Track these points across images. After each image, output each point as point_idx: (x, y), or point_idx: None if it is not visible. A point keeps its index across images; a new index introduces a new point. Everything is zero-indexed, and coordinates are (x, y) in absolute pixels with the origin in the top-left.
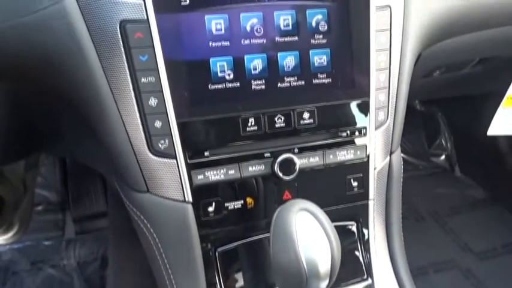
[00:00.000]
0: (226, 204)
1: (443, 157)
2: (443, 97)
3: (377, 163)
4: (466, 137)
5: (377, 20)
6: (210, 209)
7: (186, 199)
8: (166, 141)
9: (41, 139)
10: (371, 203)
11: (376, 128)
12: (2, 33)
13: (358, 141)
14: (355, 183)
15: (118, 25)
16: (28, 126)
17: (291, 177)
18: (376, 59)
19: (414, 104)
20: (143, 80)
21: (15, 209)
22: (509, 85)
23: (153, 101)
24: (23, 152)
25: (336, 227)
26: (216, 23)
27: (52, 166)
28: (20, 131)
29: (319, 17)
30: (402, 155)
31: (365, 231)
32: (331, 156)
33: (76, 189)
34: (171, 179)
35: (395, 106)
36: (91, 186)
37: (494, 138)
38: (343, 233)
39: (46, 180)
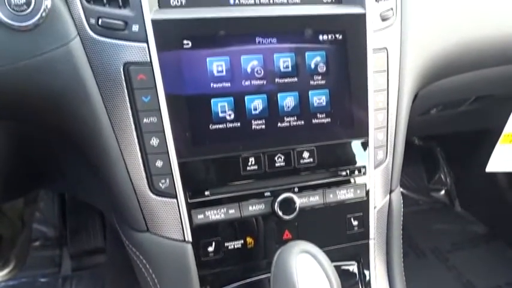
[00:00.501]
0: (226, 244)
1: (443, 192)
2: (441, 133)
3: (377, 202)
4: (465, 172)
5: (374, 62)
6: (210, 248)
7: (186, 239)
8: (167, 180)
9: (42, 176)
10: (371, 243)
11: (376, 166)
12: (8, 75)
13: (358, 180)
14: (355, 222)
15: (122, 67)
16: (29, 164)
17: (291, 216)
18: (374, 99)
19: (412, 139)
20: (145, 120)
21: (12, 245)
22: (505, 122)
23: (154, 141)
24: (24, 189)
25: (336, 267)
26: (217, 64)
27: (51, 201)
28: (21, 169)
29: (318, 59)
30: (401, 189)
31: (366, 271)
32: (331, 195)
33: (74, 225)
34: (171, 218)
35: (394, 145)
36: (89, 222)
37: (494, 173)
38: (343, 274)
39: (44, 216)
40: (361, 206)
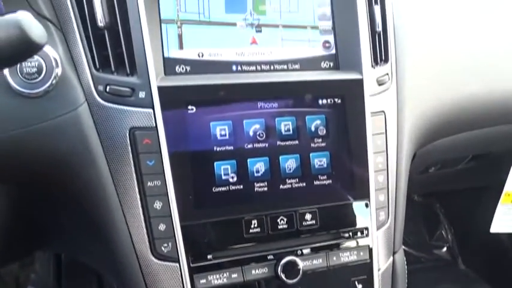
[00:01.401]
0: None
1: (445, 249)
2: (440, 190)
3: (381, 264)
4: (467, 228)
5: (373, 125)
6: None
7: None
8: (170, 244)
9: (41, 237)
10: None
11: (378, 228)
12: (16, 139)
13: (361, 241)
14: (359, 286)
15: (128, 132)
16: (29, 225)
17: (295, 280)
18: (374, 161)
19: (412, 196)
20: (149, 183)
21: None
22: (504, 180)
23: (158, 204)
24: (22, 252)
25: None
26: (220, 128)
27: (47, 262)
28: (20, 231)
29: (318, 122)
30: (403, 247)
31: None
32: (334, 258)
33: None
34: (173, 283)
35: (395, 206)
36: (86, 285)
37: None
38: None
39: (40, 278)
40: (365, 269)
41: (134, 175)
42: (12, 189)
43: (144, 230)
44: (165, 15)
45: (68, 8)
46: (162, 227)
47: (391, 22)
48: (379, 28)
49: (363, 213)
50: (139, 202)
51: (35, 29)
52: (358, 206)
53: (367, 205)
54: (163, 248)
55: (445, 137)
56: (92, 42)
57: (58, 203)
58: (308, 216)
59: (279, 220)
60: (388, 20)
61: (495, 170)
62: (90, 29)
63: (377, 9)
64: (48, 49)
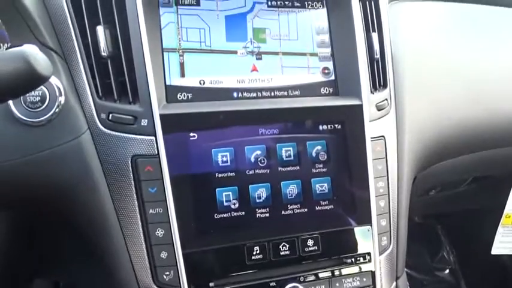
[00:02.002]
0: None
1: (447, 271)
2: (441, 212)
3: None
4: (469, 250)
5: (373, 150)
6: None
7: None
8: (172, 272)
9: (42, 266)
10: None
11: (380, 253)
12: (18, 168)
13: (364, 267)
14: None
15: (130, 159)
16: (30, 254)
17: None
18: (375, 185)
19: (413, 218)
20: (151, 211)
21: None
22: (505, 202)
23: (159, 232)
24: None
25: None
26: (222, 155)
27: None
28: (21, 259)
29: (319, 147)
30: (405, 269)
31: None
32: (337, 284)
33: None
34: None
35: (397, 230)
36: None
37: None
38: None
39: None
40: None
41: (136, 203)
42: (12, 217)
43: (146, 258)
44: (167, 44)
45: (72, 38)
46: (164, 254)
47: (389, 49)
48: (377, 55)
49: (365, 239)
50: (141, 230)
51: (41, 62)
52: (360, 231)
53: (369, 230)
54: (165, 276)
55: (445, 160)
56: (95, 71)
57: (59, 231)
58: (310, 242)
59: (281, 246)
60: (386, 47)
61: (495, 192)
62: (93, 58)
63: (375, 36)
64: (51, 78)
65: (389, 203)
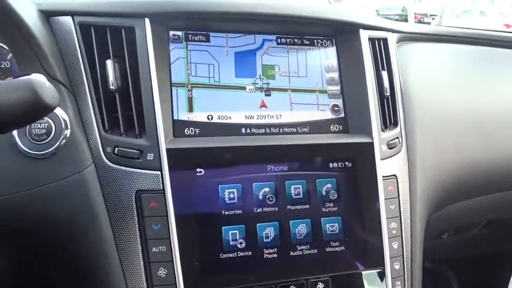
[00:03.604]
0: None
1: None
2: (453, 257)
3: None
4: None
5: (385, 189)
6: None
7: None
8: None
9: None
10: None
11: None
12: (19, 201)
13: None
14: None
15: (134, 195)
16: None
17: None
18: (388, 226)
19: (423, 263)
20: (154, 249)
21: None
22: None
23: (162, 272)
24: None
25: None
26: (229, 192)
27: None
28: None
29: (329, 186)
30: None
31: None
32: None
33: None
34: None
35: (411, 274)
36: None
37: None
38: None
39: None
40: None
41: (139, 240)
42: (10, 250)
43: None
44: (176, 79)
45: (81, 72)
46: None
47: (399, 87)
48: (388, 93)
49: (377, 283)
50: (142, 269)
51: (48, 91)
52: (372, 275)
53: (381, 274)
54: None
55: (458, 202)
56: (103, 104)
57: (56, 267)
58: (320, 286)
59: None
60: (396, 85)
61: (509, 236)
62: (101, 92)
63: (384, 74)
64: (58, 110)
65: (402, 245)
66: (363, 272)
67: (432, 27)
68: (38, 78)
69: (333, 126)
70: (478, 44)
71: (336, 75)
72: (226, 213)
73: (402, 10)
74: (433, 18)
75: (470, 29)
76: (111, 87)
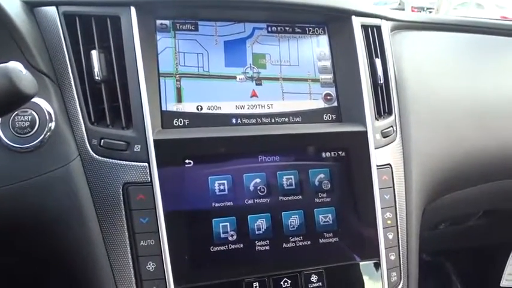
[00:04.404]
0: None
1: None
2: (451, 248)
3: None
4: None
5: (379, 178)
6: None
7: None
8: None
9: None
10: None
11: None
12: (3, 197)
13: None
14: None
15: (121, 187)
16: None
17: None
18: (383, 216)
19: (421, 254)
20: (142, 243)
21: None
22: None
23: (151, 266)
24: None
25: None
26: (219, 183)
27: None
28: None
29: (322, 176)
30: None
31: None
32: None
33: None
34: None
35: (407, 265)
36: None
37: None
38: None
39: None
40: None
41: (126, 233)
42: None
43: None
44: (164, 69)
45: (66, 63)
46: None
47: (393, 75)
48: (381, 81)
49: (373, 274)
50: (130, 263)
51: (24, 78)
52: (367, 266)
53: (377, 265)
54: None
55: (454, 191)
56: (88, 95)
57: (42, 263)
58: (314, 278)
59: (282, 282)
60: (390, 73)
61: (506, 227)
62: (87, 83)
63: (378, 62)
64: (42, 103)
65: (398, 235)
66: (357, 264)
67: (427, 16)
68: (14, 66)
69: (326, 116)
70: (473, 32)
71: (328, 63)
72: (217, 205)
73: (399, 4)
74: (430, 12)
75: (464, 17)
76: (97, 78)
